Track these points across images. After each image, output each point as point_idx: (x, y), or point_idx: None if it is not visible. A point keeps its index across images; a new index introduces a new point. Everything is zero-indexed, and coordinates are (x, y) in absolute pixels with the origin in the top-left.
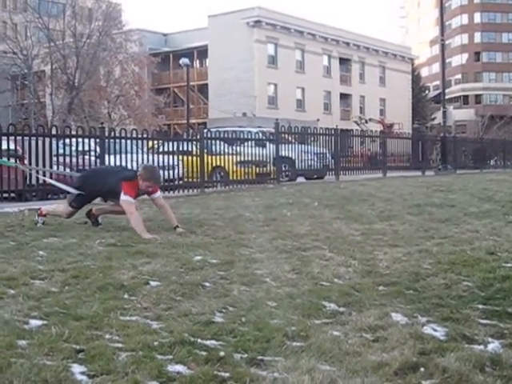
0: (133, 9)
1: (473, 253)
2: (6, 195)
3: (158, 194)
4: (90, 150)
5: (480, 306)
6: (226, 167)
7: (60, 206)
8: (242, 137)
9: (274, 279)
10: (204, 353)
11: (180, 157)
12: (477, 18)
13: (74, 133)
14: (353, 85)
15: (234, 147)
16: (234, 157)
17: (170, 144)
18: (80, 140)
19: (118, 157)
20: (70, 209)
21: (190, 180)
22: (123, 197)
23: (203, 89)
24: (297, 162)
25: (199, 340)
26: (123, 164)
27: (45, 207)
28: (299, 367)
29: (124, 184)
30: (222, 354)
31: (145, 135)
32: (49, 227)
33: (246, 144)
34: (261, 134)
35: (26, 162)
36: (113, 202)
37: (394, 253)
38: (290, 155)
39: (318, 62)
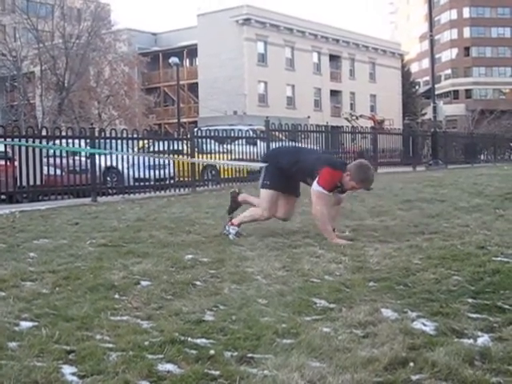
0: (122, 9)
1: (463, 247)
2: None
3: (345, 194)
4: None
5: (470, 300)
6: (217, 166)
7: (255, 209)
8: (232, 135)
9: (265, 277)
10: (194, 351)
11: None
12: (466, 12)
13: (64, 134)
14: (343, 81)
15: (225, 146)
16: (225, 155)
17: (161, 143)
18: (70, 141)
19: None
20: (265, 194)
21: (182, 179)
22: (316, 185)
23: (193, 88)
24: None
25: (189, 339)
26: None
27: (237, 218)
28: (289, 364)
29: (326, 171)
30: (212, 352)
31: (135, 135)
32: (40, 229)
33: (236, 142)
34: (251, 132)
35: (16, 164)
36: (282, 198)
37: (385, 248)
38: None
39: (307, 59)
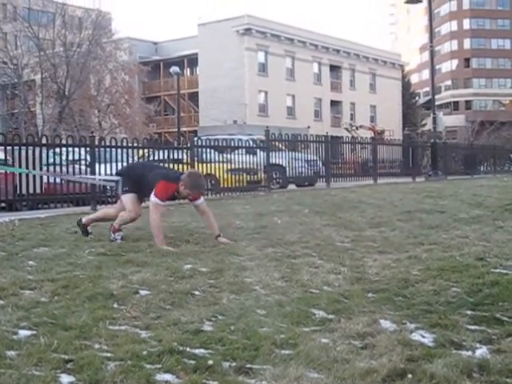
0: (122, 17)
1: (462, 259)
2: None
3: (201, 200)
4: (80, 159)
5: (468, 312)
6: (217, 175)
7: (123, 213)
8: (232, 145)
9: (264, 287)
10: (192, 361)
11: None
12: (466, 24)
13: (64, 142)
14: (343, 92)
15: (225, 155)
16: (225, 165)
17: (161, 152)
18: (70, 149)
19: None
20: (127, 198)
21: None
22: (153, 198)
23: (194, 97)
24: (288, 169)
25: (188, 349)
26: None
27: (115, 223)
28: (287, 375)
29: (161, 183)
30: (210, 362)
31: (135, 144)
32: (39, 237)
33: (236, 152)
34: (251, 142)
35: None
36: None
37: (384, 259)
38: (281, 163)
39: (308, 69)
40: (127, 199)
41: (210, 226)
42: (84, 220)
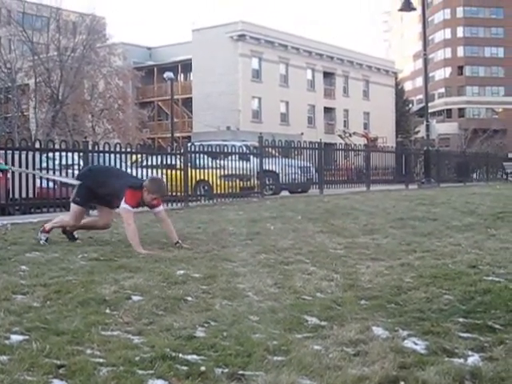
0: (117, 23)
1: (454, 266)
2: None
3: (161, 207)
4: (73, 164)
5: (461, 320)
6: (210, 181)
7: (64, 216)
8: (226, 151)
9: (257, 293)
10: (185, 367)
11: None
12: (460, 32)
13: (57, 146)
14: (337, 98)
15: (218, 161)
16: (218, 171)
17: (154, 158)
18: (63, 154)
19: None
20: (75, 208)
21: (174, 194)
22: (124, 205)
23: (187, 102)
24: (281, 175)
25: (180, 355)
26: None
27: (48, 223)
28: (280, 382)
29: (128, 192)
30: (202, 368)
31: (128, 149)
32: (32, 242)
33: (230, 158)
34: (245, 148)
35: (9, 175)
36: (99, 210)
37: (377, 266)
38: (274, 169)
39: (301, 75)
40: (73, 209)
41: (169, 232)
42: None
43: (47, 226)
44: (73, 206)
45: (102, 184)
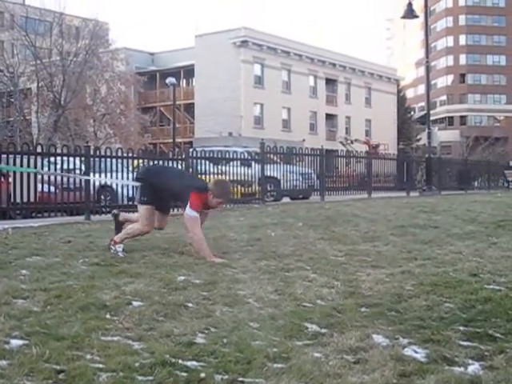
0: (120, 28)
1: (455, 274)
2: None
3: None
4: (75, 169)
5: (461, 328)
6: None
7: (134, 224)
8: (227, 156)
9: (257, 300)
10: (185, 374)
11: None
12: (462, 40)
13: (59, 151)
14: (339, 105)
15: (220, 167)
16: (220, 176)
17: (156, 163)
18: (65, 158)
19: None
20: (143, 209)
21: None
22: (189, 211)
23: (189, 108)
24: (282, 182)
25: (180, 361)
26: None
27: (117, 236)
28: None
29: (194, 194)
30: (202, 375)
31: (130, 154)
32: (32, 246)
33: (231, 164)
34: (246, 154)
35: (11, 180)
36: (164, 212)
37: (377, 274)
38: (276, 175)
39: (304, 82)
40: (143, 211)
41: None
42: (117, 239)
43: (117, 239)
44: (141, 208)
45: (163, 183)
